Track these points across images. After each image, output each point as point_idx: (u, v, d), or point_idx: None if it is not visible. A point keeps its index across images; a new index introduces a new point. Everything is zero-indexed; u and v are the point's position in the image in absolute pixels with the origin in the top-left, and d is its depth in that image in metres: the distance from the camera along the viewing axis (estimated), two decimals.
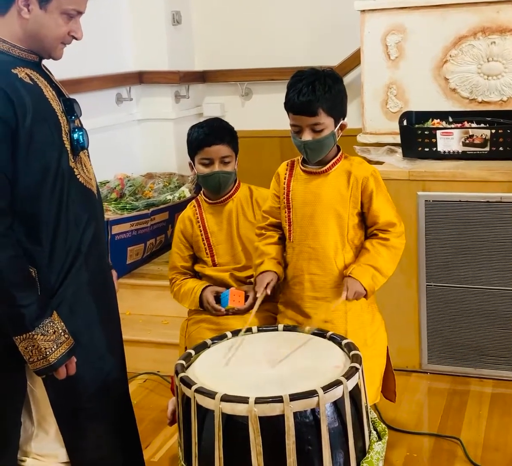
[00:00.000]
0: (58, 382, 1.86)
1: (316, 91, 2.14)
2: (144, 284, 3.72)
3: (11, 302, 1.75)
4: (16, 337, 1.78)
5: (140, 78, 4.36)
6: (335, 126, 2.21)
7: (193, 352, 1.98)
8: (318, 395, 1.68)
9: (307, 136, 2.19)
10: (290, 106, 2.19)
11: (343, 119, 2.25)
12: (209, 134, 2.52)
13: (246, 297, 2.50)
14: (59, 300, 1.87)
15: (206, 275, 2.62)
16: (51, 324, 1.80)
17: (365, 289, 2.19)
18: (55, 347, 1.80)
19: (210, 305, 2.51)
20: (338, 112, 2.21)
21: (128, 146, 4.42)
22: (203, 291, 2.54)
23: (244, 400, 1.68)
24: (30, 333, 1.76)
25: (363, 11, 3.39)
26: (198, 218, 2.62)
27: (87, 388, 1.95)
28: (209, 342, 2.04)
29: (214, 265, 2.61)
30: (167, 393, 3.07)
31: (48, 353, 1.79)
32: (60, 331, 1.81)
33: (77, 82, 3.74)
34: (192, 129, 2.58)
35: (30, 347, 1.78)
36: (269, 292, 2.27)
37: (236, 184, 2.62)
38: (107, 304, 2.03)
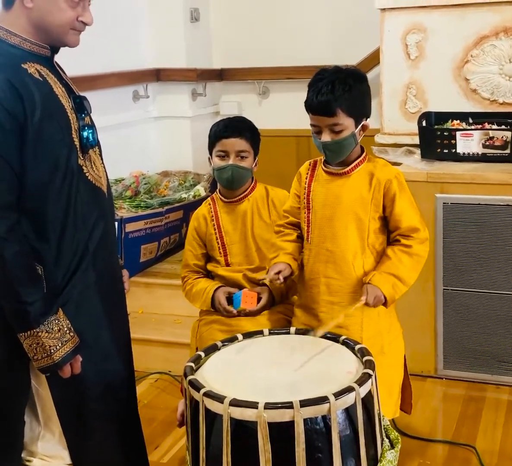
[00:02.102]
0: (62, 381, 1.84)
1: (335, 91, 2.09)
2: (158, 282, 3.70)
3: (16, 298, 1.73)
4: (21, 334, 1.76)
5: (157, 75, 4.34)
6: (356, 127, 2.16)
7: (203, 354, 1.95)
8: (329, 402, 1.65)
9: (326, 137, 2.14)
10: (309, 105, 2.15)
11: (366, 120, 2.19)
12: (228, 127, 2.52)
13: (259, 299, 2.47)
14: (66, 298, 1.85)
15: (219, 275, 2.59)
16: (56, 321, 1.78)
17: (385, 297, 2.13)
18: (59, 345, 1.78)
19: (222, 306, 2.47)
20: (358, 112, 2.16)
21: (144, 143, 4.40)
22: (215, 291, 2.51)
23: (253, 405, 1.64)
24: (34, 330, 1.75)
25: (384, 9, 3.35)
26: (212, 216, 2.59)
27: (92, 389, 1.93)
28: (219, 344, 2.01)
29: (227, 264, 2.58)
30: (178, 393, 3.04)
31: (52, 351, 1.77)
32: (65, 329, 1.79)
33: (94, 78, 3.73)
34: (215, 123, 2.59)
35: (34, 345, 1.76)
36: (281, 278, 2.21)
37: (253, 183, 2.59)
38: (114, 304, 2.01)
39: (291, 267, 2.26)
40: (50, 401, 1.92)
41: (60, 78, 1.87)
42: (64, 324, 1.79)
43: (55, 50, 1.88)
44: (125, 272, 2.11)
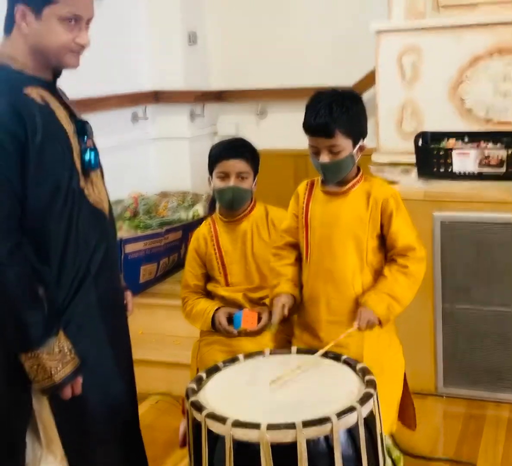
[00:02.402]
0: (64, 404, 1.84)
1: (333, 113, 2.12)
2: (157, 303, 3.70)
3: (18, 319, 1.74)
4: (22, 355, 1.76)
5: (156, 97, 4.38)
6: (354, 148, 2.19)
7: (204, 375, 1.95)
8: (331, 422, 1.65)
9: (324, 158, 2.17)
10: (308, 127, 2.18)
11: (363, 140, 2.22)
12: (228, 148, 2.54)
13: (259, 319, 2.48)
14: (67, 320, 1.85)
15: (219, 295, 2.59)
16: (57, 342, 1.78)
17: (378, 318, 2.16)
18: (60, 366, 1.78)
19: (223, 326, 2.48)
20: (356, 133, 2.19)
21: (143, 164, 4.43)
22: (215, 312, 2.51)
23: (256, 426, 1.64)
24: (35, 352, 1.75)
25: (379, 32, 3.39)
26: (212, 236, 2.61)
27: (93, 411, 1.93)
28: (221, 365, 2.01)
29: (227, 284, 2.59)
30: (179, 414, 3.02)
31: (53, 372, 1.77)
32: (66, 350, 1.80)
33: (94, 101, 3.76)
34: (215, 144, 2.62)
35: (35, 366, 1.76)
36: (286, 313, 2.23)
37: (252, 203, 2.61)
38: (116, 326, 2.01)
39: (294, 297, 2.28)
40: (51, 423, 1.91)
41: (62, 102, 1.89)
42: (65, 345, 1.80)
43: (57, 74, 1.90)
44: (128, 294, 2.12)
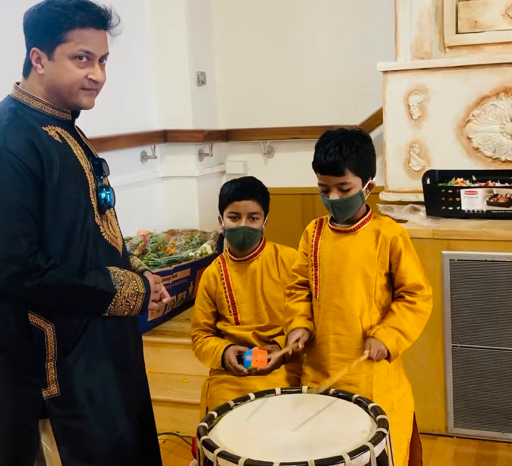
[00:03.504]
0: (70, 441, 1.84)
1: (343, 152, 2.15)
2: (165, 341, 3.68)
3: (86, 290, 1.82)
4: (111, 307, 1.88)
5: (165, 136, 4.42)
6: (363, 186, 2.21)
7: (215, 414, 1.93)
8: (344, 461, 1.63)
9: (334, 195, 2.19)
10: (317, 166, 2.20)
11: (372, 178, 2.25)
12: (240, 189, 2.55)
13: (269, 358, 2.46)
14: (77, 355, 1.86)
15: (229, 333, 2.59)
16: (116, 275, 1.90)
17: (388, 351, 2.15)
18: (134, 281, 1.93)
19: (233, 365, 2.47)
20: (365, 171, 2.21)
21: (151, 203, 4.45)
22: (225, 350, 2.50)
23: (268, 465, 1.63)
24: (116, 294, 1.88)
25: (386, 72, 3.44)
26: (222, 275, 2.61)
27: (99, 448, 1.92)
28: (231, 403, 2.00)
29: (237, 323, 2.58)
30: (187, 454, 3.00)
31: (137, 289, 1.93)
32: (125, 272, 1.95)
33: (103, 140, 3.80)
34: (226, 184, 2.62)
35: (125, 301, 1.90)
36: (301, 346, 2.22)
37: (262, 242, 2.62)
38: (126, 363, 2.01)
39: (308, 330, 2.27)
40: (58, 460, 1.90)
41: (80, 141, 1.92)
42: (121, 273, 1.92)
43: (75, 114, 1.93)
44: (157, 279, 2.11)
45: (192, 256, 4.00)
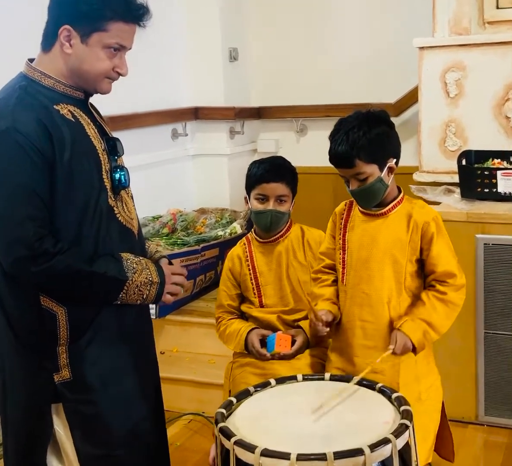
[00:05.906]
0: (82, 426, 1.83)
1: (350, 141, 2.08)
2: (193, 321, 3.66)
3: (95, 276, 1.78)
4: (123, 295, 1.82)
5: (196, 114, 4.36)
6: (381, 171, 2.13)
7: (234, 400, 1.90)
8: (364, 454, 1.58)
9: (353, 185, 2.14)
10: (330, 159, 2.16)
11: (394, 160, 2.16)
12: (269, 171, 2.48)
13: (293, 342, 2.41)
14: (89, 340, 1.84)
15: (253, 316, 2.55)
16: (129, 262, 1.84)
17: (413, 345, 2.09)
18: (148, 270, 1.87)
19: (255, 349, 2.43)
20: (380, 156, 2.12)
21: (182, 181, 4.42)
22: (248, 333, 2.47)
23: (285, 456, 1.58)
24: (128, 282, 1.82)
25: (422, 48, 3.34)
26: (247, 257, 2.56)
27: (114, 435, 1.90)
28: (251, 389, 1.95)
29: (261, 306, 2.54)
30: (211, 435, 2.98)
31: (151, 278, 1.86)
32: (139, 260, 1.88)
33: (134, 117, 3.75)
34: (254, 164, 2.54)
35: (137, 290, 1.84)
36: (321, 324, 2.16)
37: (289, 224, 2.56)
38: (141, 349, 1.98)
39: (332, 312, 2.21)
40: (72, 447, 1.89)
41: (93, 120, 1.87)
42: (134, 259, 1.86)
43: (89, 93, 1.89)
44: (174, 269, 2.03)
45: (221, 235, 3.96)
